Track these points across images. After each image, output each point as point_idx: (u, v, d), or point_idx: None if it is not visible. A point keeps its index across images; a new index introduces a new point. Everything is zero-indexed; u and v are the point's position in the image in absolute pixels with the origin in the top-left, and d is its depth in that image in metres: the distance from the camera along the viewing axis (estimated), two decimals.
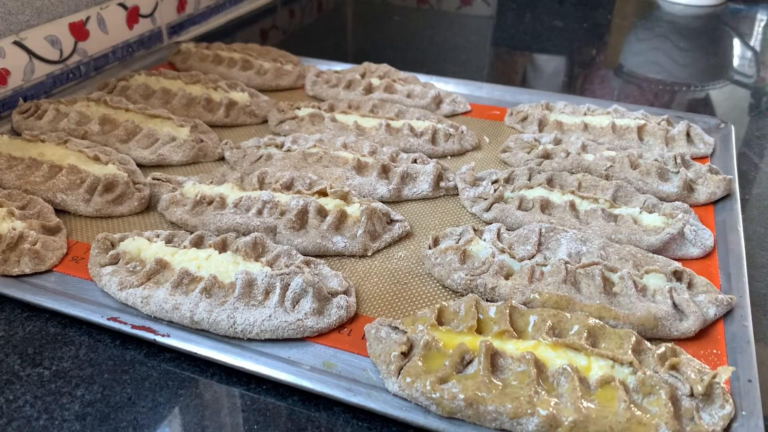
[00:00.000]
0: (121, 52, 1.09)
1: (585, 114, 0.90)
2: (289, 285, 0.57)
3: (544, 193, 0.71)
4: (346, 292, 0.59)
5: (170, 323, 0.56)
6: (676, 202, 0.70)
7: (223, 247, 0.62)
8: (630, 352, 0.50)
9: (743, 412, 0.48)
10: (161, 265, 0.60)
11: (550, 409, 0.46)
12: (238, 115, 0.92)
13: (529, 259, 0.61)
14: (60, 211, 0.71)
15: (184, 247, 0.62)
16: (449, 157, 0.85)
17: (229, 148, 0.83)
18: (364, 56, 1.12)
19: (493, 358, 0.50)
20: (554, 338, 0.51)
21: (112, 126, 0.84)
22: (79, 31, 1.00)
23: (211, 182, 0.73)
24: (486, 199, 0.72)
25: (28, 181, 0.73)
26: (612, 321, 0.55)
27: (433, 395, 0.47)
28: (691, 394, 0.48)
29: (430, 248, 0.65)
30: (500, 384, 0.48)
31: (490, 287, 0.59)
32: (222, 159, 0.83)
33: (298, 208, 0.66)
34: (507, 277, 0.60)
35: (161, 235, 0.64)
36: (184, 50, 1.09)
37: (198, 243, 0.63)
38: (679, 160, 0.77)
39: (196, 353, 0.53)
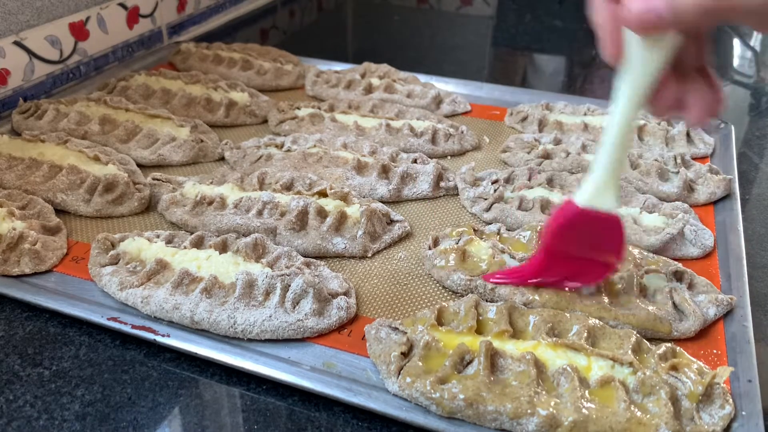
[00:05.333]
0: (121, 52, 1.09)
1: (585, 114, 0.90)
2: (289, 286, 0.57)
3: (544, 193, 0.71)
4: (346, 294, 0.59)
5: (170, 323, 0.56)
6: (676, 202, 0.70)
7: (223, 248, 0.62)
8: (630, 352, 0.50)
9: (743, 413, 0.48)
10: (161, 266, 0.60)
11: (550, 409, 0.46)
12: (238, 115, 0.92)
13: None
14: (60, 211, 0.71)
15: (185, 248, 0.62)
16: (449, 157, 0.85)
17: (229, 148, 0.83)
18: (364, 56, 1.12)
19: (493, 358, 0.50)
20: (554, 338, 0.51)
21: (112, 126, 0.84)
22: (79, 31, 1.00)
23: (211, 182, 0.73)
24: (486, 199, 0.72)
25: (28, 181, 0.73)
26: (612, 321, 0.55)
27: (433, 395, 0.47)
28: (691, 395, 0.48)
29: (429, 249, 0.65)
30: (500, 384, 0.48)
31: (490, 288, 0.59)
32: (222, 159, 0.83)
33: (298, 209, 0.66)
34: None
35: (161, 236, 0.64)
36: (184, 50, 1.09)
37: (198, 243, 0.63)
38: (679, 160, 0.77)
39: (196, 353, 0.53)
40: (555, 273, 0.56)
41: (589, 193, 0.50)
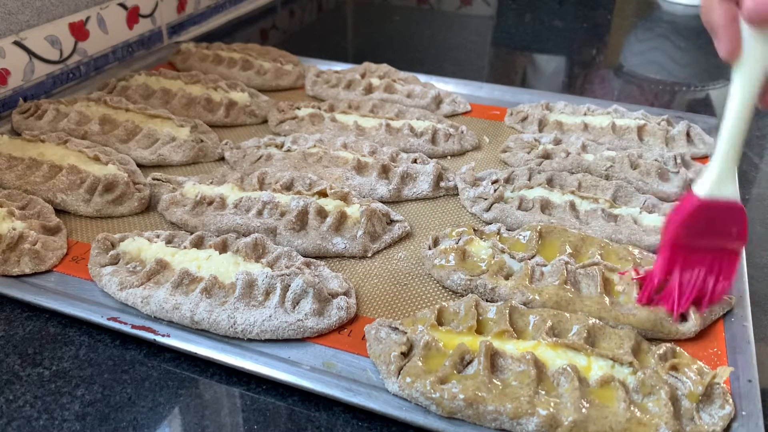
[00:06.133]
0: (121, 52, 1.09)
1: (585, 114, 0.90)
2: (289, 286, 0.57)
3: (544, 193, 0.71)
4: (346, 294, 0.59)
5: (170, 323, 0.56)
6: (677, 203, 0.70)
7: (223, 248, 0.62)
8: (630, 352, 0.50)
9: (743, 412, 0.48)
10: (161, 266, 0.60)
11: (550, 409, 0.46)
12: (238, 115, 0.92)
13: (530, 259, 0.61)
14: (60, 211, 0.71)
15: (185, 248, 0.62)
16: (449, 157, 0.85)
17: (229, 148, 0.83)
18: (364, 56, 1.12)
19: (493, 358, 0.50)
20: (554, 338, 0.51)
21: (112, 126, 0.84)
22: (79, 31, 1.00)
23: (211, 182, 0.73)
24: (486, 199, 0.72)
25: (28, 181, 0.73)
26: (612, 321, 0.55)
27: (433, 395, 0.47)
28: (691, 395, 0.48)
29: (429, 249, 0.65)
30: (500, 384, 0.48)
31: (490, 287, 0.59)
32: (222, 159, 0.83)
33: (298, 209, 0.66)
34: (507, 278, 0.60)
35: (161, 236, 0.64)
36: (184, 50, 1.09)
37: (198, 243, 0.63)
38: (679, 160, 0.77)
39: (196, 353, 0.53)
40: (682, 267, 0.55)
41: (710, 183, 0.52)
